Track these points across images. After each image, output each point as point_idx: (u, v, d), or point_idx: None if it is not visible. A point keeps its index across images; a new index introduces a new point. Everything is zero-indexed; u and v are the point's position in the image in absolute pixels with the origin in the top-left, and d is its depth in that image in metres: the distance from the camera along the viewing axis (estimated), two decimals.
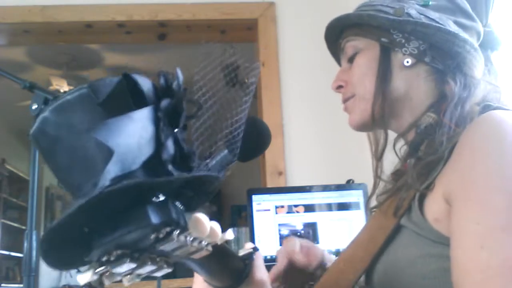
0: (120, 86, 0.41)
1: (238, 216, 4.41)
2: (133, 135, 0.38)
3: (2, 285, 4.71)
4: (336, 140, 2.13)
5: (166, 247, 0.39)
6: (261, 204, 1.56)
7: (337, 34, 0.85)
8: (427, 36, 0.75)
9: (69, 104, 0.41)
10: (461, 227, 0.57)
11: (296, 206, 1.57)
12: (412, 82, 0.77)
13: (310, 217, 1.56)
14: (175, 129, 0.42)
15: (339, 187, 1.62)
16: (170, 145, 0.41)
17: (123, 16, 2.23)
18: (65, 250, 0.39)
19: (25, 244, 1.28)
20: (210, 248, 0.42)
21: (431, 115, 0.74)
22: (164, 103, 0.41)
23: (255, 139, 0.58)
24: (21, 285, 1.26)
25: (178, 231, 0.38)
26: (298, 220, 1.56)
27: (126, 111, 0.39)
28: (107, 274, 0.39)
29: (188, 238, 0.39)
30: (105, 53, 3.80)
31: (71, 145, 0.40)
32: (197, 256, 0.42)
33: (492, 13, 0.83)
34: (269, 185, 2.05)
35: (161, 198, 0.39)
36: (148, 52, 3.64)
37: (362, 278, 0.78)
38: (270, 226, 1.53)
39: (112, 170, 0.37)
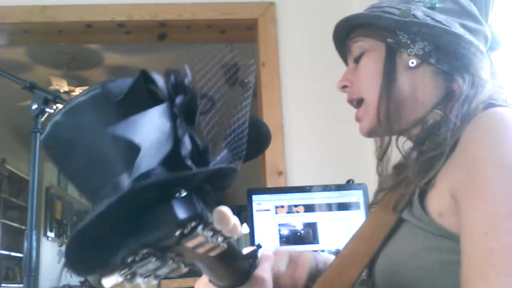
0: (138, 84, 0.41)
1: (238, 216, 4.41)
2: (154, 131, 0.38)
3: (2, 285, 4.71)
4: (336, 140, 2.13)
5: (190, 243, 0.38)
6: (261, 204, 1.56)
7: (345, 34, 0.85)
8: (432, 38, 0.75)
9: (82, 106, 0.40)
10: (468, 218, 0.59)
11: (296, 206, 1.57)
12: (417, 83, 0.77)
13: (310, 217, 1.56)
14: (189, 125, 0.42)
15: (339, 187, 1.62)
16: (187, 141, 0.40)
17: (123, 16, 2.23)
18: (90, 254, 0.38)
19: (25, 244, 1.28)
20: (225, 245, 0.42)
21: (439, 112, 0.74)
22: (179, 99, 0.41)
23: (255, 140, 0.58)
24: (21, 285, 1.26)
25: (202, 226, 0.38)
26: (298, 220, 1.56)
27: (144, 108, 0.38)
28: (129, 276, 0.38)
29: (210, 233, 0.39)
30: (105, 53, 3.80)
31: (87, 147, 0.39)
32: (213, 253, 0.42)
33: (492, 13, 0.83)
34: (269, 185, 2.05)
35: (184, 193, 0.38)
36: (148, 52, 3.64)
37: (364, 272, 0.78)
38: (270, 226, 1.53)
39: (141, 165, 0.36)
